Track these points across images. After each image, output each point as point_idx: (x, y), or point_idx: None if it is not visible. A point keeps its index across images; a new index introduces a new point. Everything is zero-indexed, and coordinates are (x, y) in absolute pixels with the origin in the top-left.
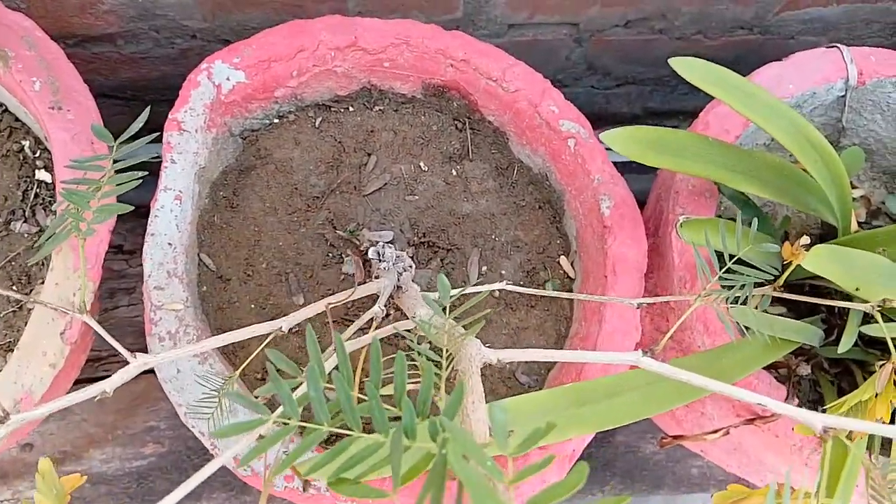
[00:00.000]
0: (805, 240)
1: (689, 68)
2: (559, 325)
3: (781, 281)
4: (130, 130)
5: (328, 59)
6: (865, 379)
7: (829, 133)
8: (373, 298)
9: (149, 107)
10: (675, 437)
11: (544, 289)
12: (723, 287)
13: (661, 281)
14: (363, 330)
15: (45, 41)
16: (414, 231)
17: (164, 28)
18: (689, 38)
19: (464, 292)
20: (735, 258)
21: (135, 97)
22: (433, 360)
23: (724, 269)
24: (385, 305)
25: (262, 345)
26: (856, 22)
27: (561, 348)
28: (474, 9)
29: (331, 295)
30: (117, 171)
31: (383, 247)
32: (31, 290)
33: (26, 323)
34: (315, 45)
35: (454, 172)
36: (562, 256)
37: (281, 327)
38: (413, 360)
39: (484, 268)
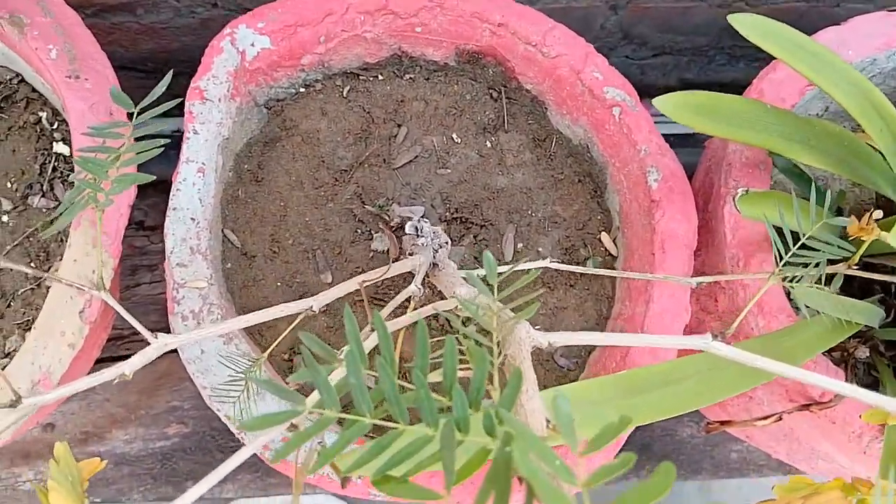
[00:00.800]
0: (878, 213)
1: (747, 25)
2: (600, 305)
3: (856, 258)
4: (152, 95)
5: (357, 23)
6: None
7: None
8: (403, 277)
9: (171, 71)
10: (723, 423)
11: (585, 267)
12: (786, 265)
13: (709, 259)
14: (395, 312)
15: (61, 6)
16: (446, 206)
17: None
18: (730, 5)
19: (511, 269)
20: (808, 235)
21: (156, 69)
22: (483, 345)
23: (798, 244)
24: (421, 284)
25: (291, 326)
26: None
27: (602, 329)
28: None
29: (359, 273)
30: (137, 139)
31: (420, 221)
32: (49, 267)
33: (45, 301)
34: (344, 9)
35: (488, 144)
36: (603, 233)
37: (312, 307)
38: (459, 343)
39: (520, 245)
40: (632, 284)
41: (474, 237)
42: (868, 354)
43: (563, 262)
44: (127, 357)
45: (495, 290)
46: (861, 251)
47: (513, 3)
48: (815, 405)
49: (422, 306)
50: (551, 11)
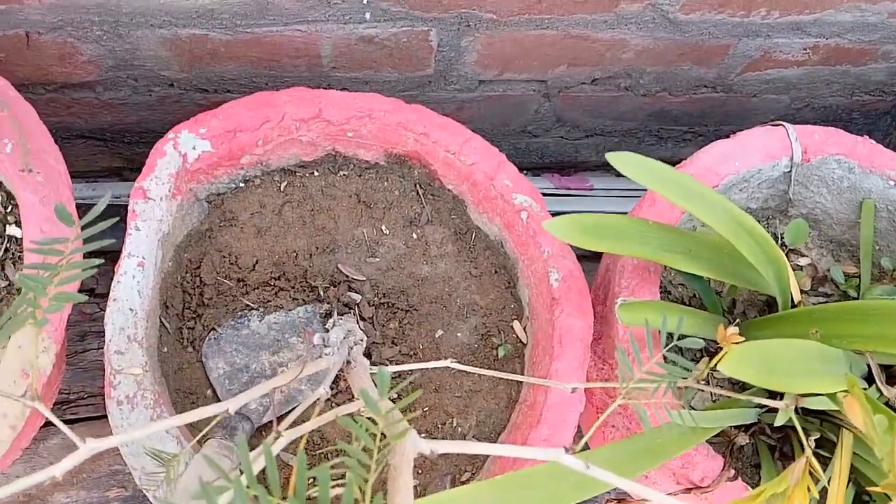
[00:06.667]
0: (734, 331)
1: (624, 163)
2: (510, 389)
3: (704, 374)
4: (93, 213)
5: (293, 129)
6: (801, 445)
7: (778, 203)
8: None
9: (109, 193)
10: (619, 501)
11: (497, 353)
12: (656, 375)
13: (608, 348)
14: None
15: (18, 101)
16: (374, 292)
17: (142, 77)
18: (654, 95)
19: (412, 368)
20: (660, 352)
21: (113, 138)
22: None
23: (653, 359)
24: (332, 385)
25: (210, 425)
26: (816, 82)
27: (511, 412)
28: (445, 66)
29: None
30: (85, 239)
31: (332, 326)
32: None
33: None
34: (280, 117)
35: (414, 236)
36: (515, 321)
37: (228, 409)
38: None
39: (440, 331)
40: (536, 374)
41: (400, 322)
42: (749, 441)
43: (479, 348)
44: (73, 422)
45: (385, 400)
46: (711, 365)
47: (435, 116)
48: (697, 489)
49: (337, 403)
50: (488, 98)
